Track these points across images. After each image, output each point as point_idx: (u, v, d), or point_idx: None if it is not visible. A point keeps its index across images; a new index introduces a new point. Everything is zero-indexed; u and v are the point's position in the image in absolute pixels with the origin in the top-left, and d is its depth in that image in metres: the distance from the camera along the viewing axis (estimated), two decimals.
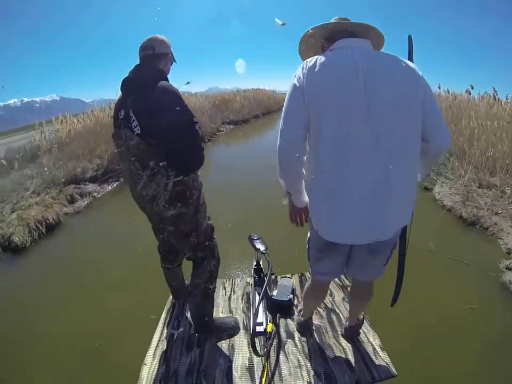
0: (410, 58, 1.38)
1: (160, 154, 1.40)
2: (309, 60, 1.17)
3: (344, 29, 1.22)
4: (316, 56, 1.16)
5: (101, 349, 2.10)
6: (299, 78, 1.15)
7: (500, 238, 3.34)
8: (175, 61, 1.62)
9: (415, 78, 1.14)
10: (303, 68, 1.17)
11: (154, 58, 1.50)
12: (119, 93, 1.54)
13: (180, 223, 1.54)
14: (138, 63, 1.50)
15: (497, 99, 6.32)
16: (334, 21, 1.25)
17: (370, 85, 1.09)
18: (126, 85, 1.48)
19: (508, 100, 6.28)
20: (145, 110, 1.37)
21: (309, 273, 1.66)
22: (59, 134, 6.67)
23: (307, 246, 1.48)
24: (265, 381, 1.52)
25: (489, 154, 4.80)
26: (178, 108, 1.39)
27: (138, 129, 1.38)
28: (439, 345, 2.04)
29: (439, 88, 7.67)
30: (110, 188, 5.79)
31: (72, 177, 5.51)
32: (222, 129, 11.15)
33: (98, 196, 5.40)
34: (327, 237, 1.25)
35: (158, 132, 1.37)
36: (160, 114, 1.36)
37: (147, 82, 1.40)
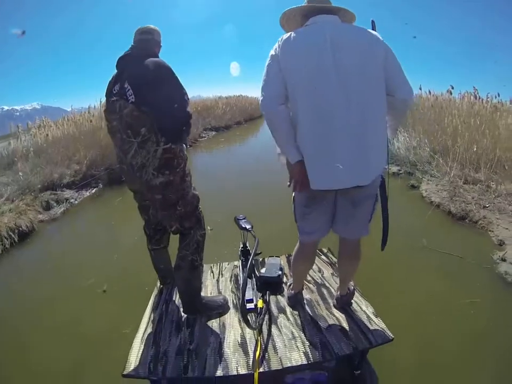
0: None
1: (152, 122, 1.50)
2: (285, 35, 1.35)
3: (317, 9, 1.40)
4: (290, 33, 1.35)
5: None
6: (275, 49, 1.35)
7: (490, 231, 3.41)
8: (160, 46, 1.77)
9: (376, 42, 1.33)
10: (279, 41, 1.36)
11: (150, 42, 1.66)
12: (108, 80, 1.73)
13: (168, 191, 1.61)
14: (134, 44, 1.66)
15: (478, 98, 6.55)
16: (309, 2, 1.44)
17: (337, 49, 1.28)
18: (122, 61, 1.62)
19: (488, 98, 6.47)
20: (140, 80, 1.51)
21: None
22: (36, 139, 6.59)
23: (293, 206, 1.58)
24: (259, 354, 1.51)
25: (473, 150, 4.96)
26: (169, 79, 1.54)
27: (133, 98, 1.49)
28: (443, 340, 2.09)
29: (420, 89, 7.77)
30: (87, 194, 5.62)
31: (49, 183, 5.34)
32: (203, 136, 11.27)
33: (76, 202, 5.23)
34: (312, 185, 1.35)
35: (151, 100, 1.49)
36: (154, 84, 1.50)
37: (142, 58, 1.53)
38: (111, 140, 1.72)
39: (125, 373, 1.50)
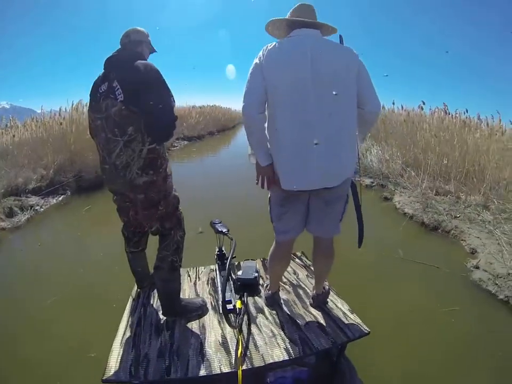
0: None
1: (139, 122, 1.54)
2: (269, 44, 1.47)
3: (301, 22, 1.53)
4: (274, 43, 1.47)
5: None
6: (260, 57, 1.46)
7: (462, 240, 3.58)
8: (155, 51, 1.87)
9: (351, 56, 1.47)
10: (263, 50, 1.48)
11: (130, 44, 1.72)
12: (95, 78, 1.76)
13: (150, 190, 1.65)
14: (121, 46, 1.73)
15: (447, 113, 6.91)
16: (295, 12, 1.58)
17: (315, 61, 1.40)
18: (109, 62, 1.66)
19: (457, 114, 6.82)
20: (129, 79, 1.56)
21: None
22: (1, 140, 6.33)
23: (269, 207, 1.72)
24: (241, 353, 1.54)
25: (443, 163, 5.24)
26: (158, 81, 1.60)
27: (121, 97, 1.52)
28: (426, 349, 2.13)
29: (393, 104, 7.90)
30: (54, 201, 5.37)
31: (13, 188, 5.10)
32: (176, 145, 11.25)
33: (41, 209, 4.97)
34: (286, 185, 1.49)
35: (139, 100, 1.53)
36: (143, 85, 1.55)
37: (129, 59, 1.60)
38: (93, 140, 1.75)
39: (104, 378, 1.47)
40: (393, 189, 5.35)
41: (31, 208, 4.82)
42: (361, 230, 1.78)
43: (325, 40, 1.52)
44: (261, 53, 1.47)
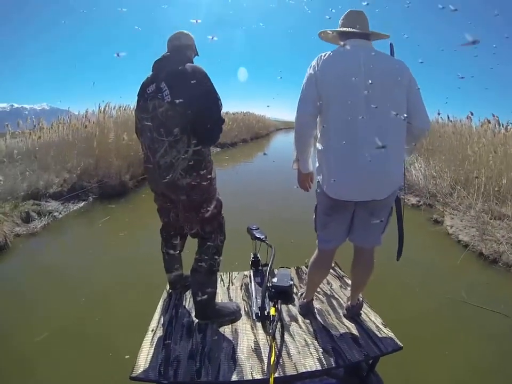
0: None
1: (186, 123, 1.61)
2: (323, 54, 1.58)
3: (352, 32, 1.61)
4: (329, 51, 1.57)
5: None
6: (314, 67, 1.57)
7: None
8: (197, 54, 1.92)
9: (402, 70, 1.55)
10: (317, 59, 1.58)
11: (181, 47, 1.81)
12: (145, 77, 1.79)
13: (193, 192, 1.72)
14: (168, 50, 1.82)
15: (501, 125, 6.41)
16: (346, 20, 1.65)
17: (369, 74, 1.48)
18: (158, 64, 1.76)
19: (509, 127, 6.31)
20: (176, 81, 1.63)
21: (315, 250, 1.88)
22: (28, 141, 6.39)
23: (314, 216, 1.79)
24: (274, 360, 1.57)
25: (498, 182, 4.88)
26: (206, 84, 1.67)
27: (168, 98, 1.59)
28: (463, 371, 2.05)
29: (439, 114, 7.22)
30: (75, 207, 5.30)
31: (34, 191, 5.08)
32: (210, 150, 10.33)
33: (60, 216, 4.88)
34: (333, 195, 1.59)
35: (186, 101, 1.59)
36: (190, 87, 1.61)
37: (178, 62, 1.69)
38: (139, 139, 1.84)
39: (133, 375, 1.51)
40: (441, 210, 4.97)
41: (49, 214, 4.73)
42: (401, 242, 1.85)
43: (378, 52, 1.59)
44: (315, 62, 1.58)
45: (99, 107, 7.08)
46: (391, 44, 1.74)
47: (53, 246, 4.03)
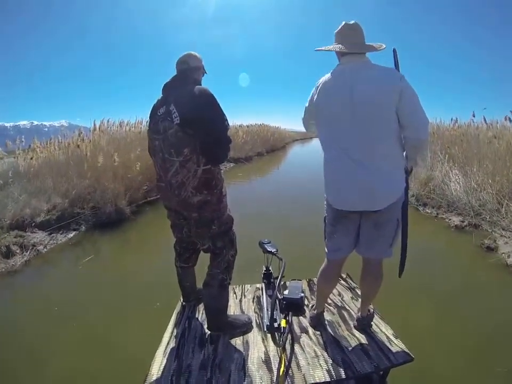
0: (396, 69, 1.90)
1: (194, 143, 1.79)
2: (323, 77, 1.79)
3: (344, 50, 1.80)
4: (327, 75, 1.78)
5: None
6: (316, 87, 1.80)
7: None
8: (206, 72, 2.12)
9: (392, 81, 1.63)
10: (319, 81, 1.80)
11: (189, 70, 1.97)
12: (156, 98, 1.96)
13: (204, 210, 1.91)
14: (177, 73, 1.99)
15: None
16: (340, 36, 1.74)
17: (354, 90, 1.61)
18: (168, 87, 1.96)
19: None
20: (185, 103, 1.79)
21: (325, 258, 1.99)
22: (20, 162, 6.01)
23: (323, 225, 1.98)
24: (283, 371, 1.71)
25: None
26: (213, 105, 1.83)
27: (178, 120, 1.76)
28: None
29: (474, 116, 6.32)
30: (63, 238, 4.87)
31: (19, 219, 4.74)
32: (220, 168, 9.69)
33: (45, 250, 4.44)
34: (336, 205, 1.78)
35: (195, 123, 1.77)
36: (198, 109, 1.78)
37: (186, 85, 1.87)
38: (152, 158, 2.03)
39: None
40: (489, 231, 4.48)
41: (32, 248, 4.32)
42: (404, 257, 2.01)
43: (367, 67, 1.73)
44: (317, 84, 1.81)
45: (94, 124, 6.85)
46: (394, 50, 1.89)
47: (28, 289, 3.55)
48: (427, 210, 5.87)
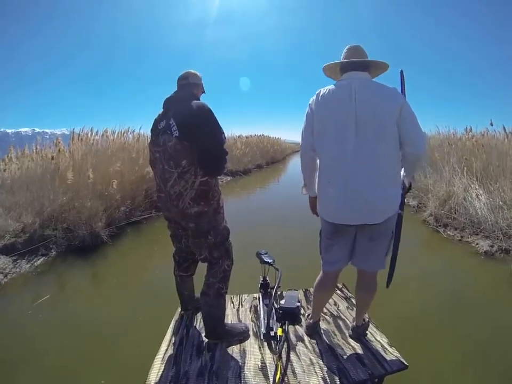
0: (402, 90, 2.03)
1: (192, 156, 1.97)
2: (322, 89, 1.90)
3: (350, 64, 1.91)
4: (327, 87, 1.90)
5: None
6: (313, 101, 1.90)
7: None
8: (204, 92, 2.30)
9: (394, 98, 1.74)
10: (317, 95, 1.89)
11: (188, 86, 2.15)
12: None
13: (201, 220, 2.07)
14: (177, 89, 2.17)
15: None
16: (345, 54, 1.90)
17: (359, 103, 1.74)
18: (168, 102, 2.13)
19: None
20: (184, 118, 1.97)
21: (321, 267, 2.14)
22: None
23: (319, 239, 2.14)
24: (279, 378, 1.85)
25: None
26: (210, 120, 1.99)
27: (177, 133, 1.94)
28: None
29: (491, 125, 5.78)
30: (28, 266, 4.27)
31: None
32: (217, 180, 9.19)
33: (5, 280, 3.81)
34: (329, 219, 1.92)
35: (193, 136, 1.94)
36: (196, 123, 1.94)
37: (185, 100, 2.05)
38: (152, 170, 2.21)
39: None
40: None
41: None
42: (392, 268, 2.16)
43: (370, 82, 1.90)
44: (314, 98, 1.91)
45: (73, 131, 6.29)
46: (401, 72, 2.04)
47: None
48: (449, 232, 5.27)
